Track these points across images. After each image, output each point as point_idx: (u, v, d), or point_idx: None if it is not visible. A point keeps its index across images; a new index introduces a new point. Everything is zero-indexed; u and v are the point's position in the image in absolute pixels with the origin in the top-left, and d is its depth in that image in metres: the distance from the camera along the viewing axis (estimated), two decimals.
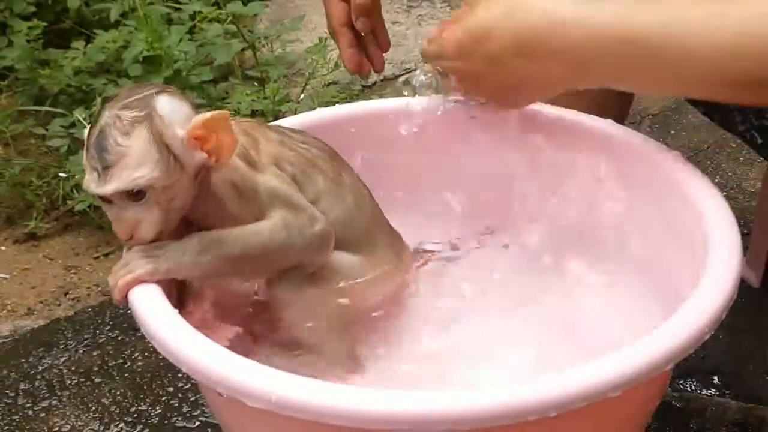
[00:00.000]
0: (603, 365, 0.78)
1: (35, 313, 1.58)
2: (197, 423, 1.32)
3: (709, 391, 1.33)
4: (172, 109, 0.96)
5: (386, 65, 2.05)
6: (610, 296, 1.09)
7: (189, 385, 1.38)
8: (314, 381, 0.80)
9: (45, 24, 2.05)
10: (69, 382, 1.41)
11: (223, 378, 0.81)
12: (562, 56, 0.96)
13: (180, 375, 1.39)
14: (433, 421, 0.76)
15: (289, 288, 1.03)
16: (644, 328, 0.91)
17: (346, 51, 1.28)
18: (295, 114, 1.85)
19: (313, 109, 1.86)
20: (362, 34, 1.31)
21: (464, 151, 1.19)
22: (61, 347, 1.48)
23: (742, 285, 1.46)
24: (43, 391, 1.40)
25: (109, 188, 0.94)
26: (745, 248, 1.42)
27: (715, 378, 1.35)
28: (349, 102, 1.93)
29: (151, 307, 0.91)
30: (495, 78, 1.02)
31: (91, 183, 0.95)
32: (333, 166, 1.07)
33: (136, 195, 0.95)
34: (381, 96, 1.96)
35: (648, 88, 1.03)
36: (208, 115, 0.96)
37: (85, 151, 0.96)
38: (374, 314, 1.07)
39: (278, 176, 1.02)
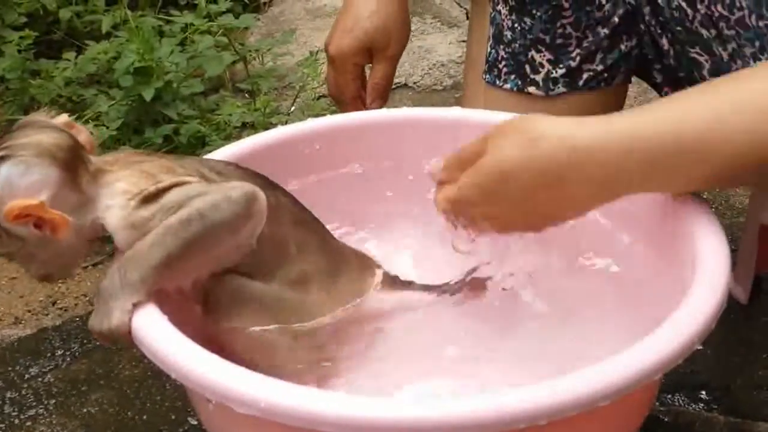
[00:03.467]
0: (594, 374, 0.79)
1: (23, 322, 1.57)
2: None
3: (697, 406, 1.34)
4: (7, 181, 0.96)
5: None
6: (600, 307, 1.10)
7: (176, 394, 1.37)
8: (303, 388, 0.80)
9: (36, 35, 2.05)
10: (56, 390, 1.41)
11: (211, 384, 0.81)
12: (587, 182, 0.94)
13: (167, 385, 1.39)
14: (427, 428, 0.76)
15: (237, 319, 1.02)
16: (633, 340, 0.92)
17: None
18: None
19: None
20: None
21: None
22: (48, 356, 1.48)
23: (731, 301, 1.47)
24: (30, 400, 1.39)
25: None
26: (734, 264, 1.44)
27: (704, 393, 1.36)
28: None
29: (140, 315, 0.91)
30: (525, 213, 0.99)
31: None
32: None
33: None
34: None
35: (677, 189, 1.03)
36: (15, 205, 0.95)
37: None
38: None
39: (180, 189, 1.00)
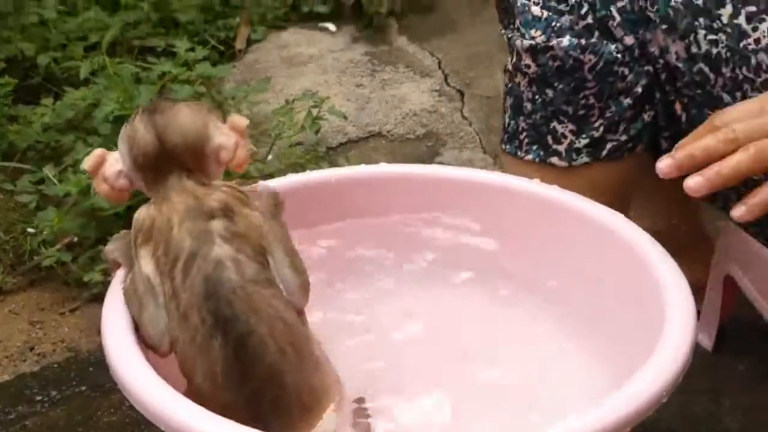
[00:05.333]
0: (564, 429, 0.82)
1: (0, 367, 1.59)
2: None
3: None
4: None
5: (350, 127, 2.13)
6: (565, 360, 1.13)
7: None
8: None
9: (15, 81, 2.07)
10: None
11: None
12: None
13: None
14: None
15: None
16: (600, 392, 0.96)
17: None
18: (262, 174, 1.90)
19: (281, 170, 1.92)
20: None
21: None
22: (28, 402, 1.49)
23: (696, 349, 1.51)
24: None
25: None
26: (699, 312, 1.48)
27: None
28: (315, 163, 1.98)
29: (130, 368, 0.93)
30: None
31: None
32: None
33: None
34: (346, 158, 2.01)
35: None
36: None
37: None
38: None
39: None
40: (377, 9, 2.46)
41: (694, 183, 0.99)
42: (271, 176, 1.89)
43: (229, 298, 0.96)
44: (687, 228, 1.58)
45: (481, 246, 1.23)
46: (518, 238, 1.20)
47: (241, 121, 1.06)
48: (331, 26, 2.50)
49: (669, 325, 0.97)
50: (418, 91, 2.25)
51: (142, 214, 1.03)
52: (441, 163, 2.02)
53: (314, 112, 1.93)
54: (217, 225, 1.00)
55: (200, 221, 1.00)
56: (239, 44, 2.42)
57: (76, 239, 1.78)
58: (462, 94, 2.25)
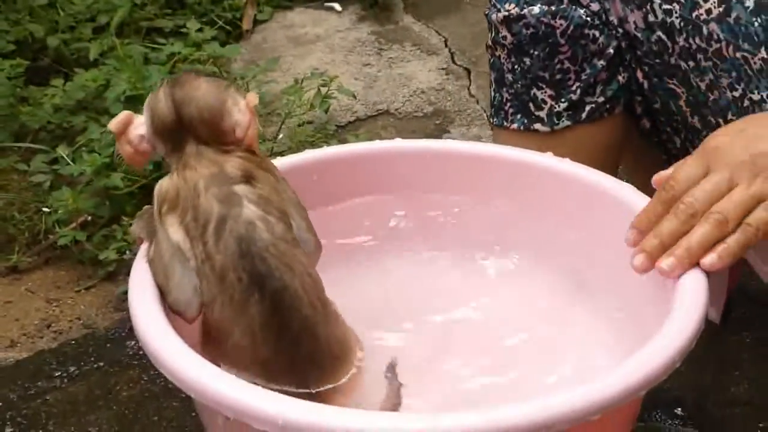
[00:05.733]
0: (586, 390, 0.85)
1: (18, 345, 1.61)
2: None
3: (673, 422, 1.39)
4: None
5: (359, 106, 2.15)
6: (585, 326, 1.15)
7: (174, 414, 1.42)
8: (320, 405, 0.85)
9: (27, 63, 2.09)
10: (55, 411, 1.44)
11: (232, 402, 0.86)
12: None
13: (165, 405, 1.43)
14: None
15: None
16: (616, 358, 0.98)
17: None
18: (272, 153, 1.92)
19: (291, 148, 1.94)
20: None
21: None
22: (46, 378, 1.52)
23: (704, 321, 1.54)
24: (30, 421, 1.43)
25: None
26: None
27: (679, 409, 1.41)
28: (325, 141, 2.00)
29: (158, 335, 0.95)
30: None
31: None
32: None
33: None
34: (356, 136, 2.02)
35: None
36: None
37: None
38: None
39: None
40: None
41: (667, 266, 1.02)
42: (281, 155, 1.92)
43: (263, 256, 1.00)
44: None
45: (497, 216, 1.25)
46: (530, 210, 1.22)
47: (252, 98, 1.10)
48: (337, 6, 2.52)
49: (680, 292, 0.99)
50: (425, 69, 2.27)
51: (164, 184, 1.06)
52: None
53: (323, 90, 1.95)
54: (243, 189, 1.03)
55: (225, 186, 1.03)
56: (246, 24, 2.43)
57: (90, 218, 1.80)
58: (469, 71, 2.27)
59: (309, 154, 1.26)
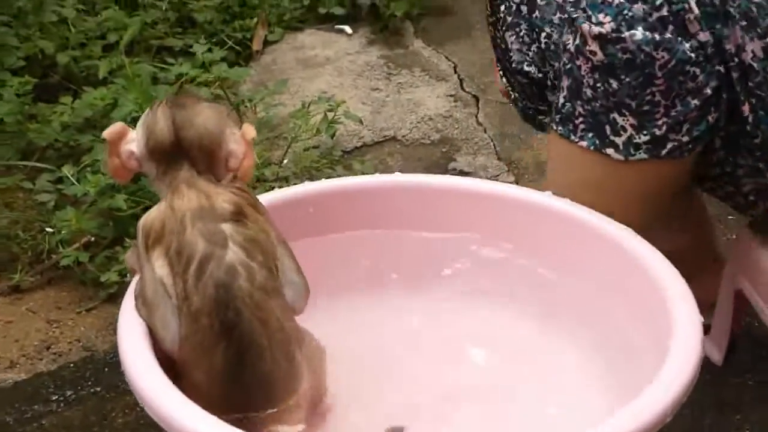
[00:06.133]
0: None
1: (18, 366, 1.61)
2: None
3: None
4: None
5: (365, 131, 2.14)
6: (575, 374, 1.15)
7: None
8: None
9: (35, 81, 2.09)
10: None
11: None
12: None
13: None
14: None
15: None
16: (605, 409, 0.98)
17: None
18: (277, 178, 1.92)
19: (296, 173, 1.93)
20: None
21: None
22: (43, 401, 1.51)
23: (706, 362, 1.52)
24: None
25: None
26: (709, 327, 1.49)
27: None
28: (330, 167, 1.99)
29: (144, 376, 0.95)
30: None
31: None
32: None
33: None
34: (361, 162, 2.02)
35: None
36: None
37: None
38: None
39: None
40: (393, 11, 2.47)
41: None
42: (286, 179, 1.92)
43: (237, 307, 1.00)
44: (699, 250, 1.59)
45: (490, 258, 1.25)
46: (531, 251, 1.22)
47: (250, 131, 1.09)
48: (347, 28, 2.52)
49: (676, 343, 0.99)
50: (433, 95, 2.26)
51: (151, 216, 1.06)
52: (455, 168, 2.04)
53: (329, 116, 1.95)
54: (230, 228, 1.03)
55: (212, 223, 1.03)
56: (256, 45, 2.43)
57: (93, 239, 1.80)
58: (477, 99, 2.27)
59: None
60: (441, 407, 1.12)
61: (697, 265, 1.38)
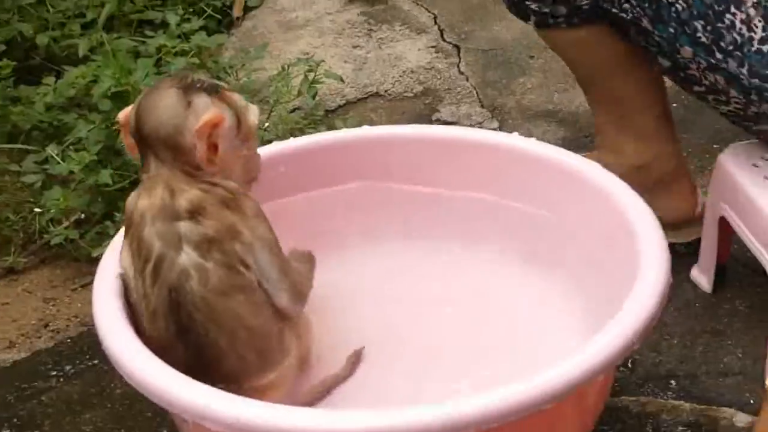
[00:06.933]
0: (537, 381, 0.85)
1: (17, 346, 1.62)
2: None
3: (666, 395, 1.39)
4: None
5: (348, 89, 2.14)
6: (544, 304, 1.16)
7: (167, 412, 1.42)
8: (273, 405, 0.85)
9: (15, 63, 2.09)
10: (51, 411, 1.46)
11: (187, 405, 0.87)
12: None
13: None
14: None
15: None
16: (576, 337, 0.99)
17: None
18: (262, 141, 1.91)
19: (278, 136, 1.93)
20: None
21: None
22: (43, 378, 1.53)
23: (695, 290, 1.53)
24: (26, 421, 1.44)
25: None
26: (698, 252, 1.50)
27: (672, 382, 1.41)
28: (313, 127, 1.99)
29: (123, 346, 0.97)
30: None
31: None
32: None
33: None
34: (344, 120, 2.02)
35: None
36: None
37: None
38: None
39: None
40: None
41: None
42: (269, 143, 1.91)
43: (189, 311, 1.02)
44: (668, 162, 1.59)
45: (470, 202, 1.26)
46: (501, 193, 1.23)
47: (214, 117, 1.07)
48: None
49: (642, 273, 0.99)
50: (414, 48, 2.26)
51: (129, 201, 1.06)
52: (439, 119, 2.03)
53: (310, 76, 1.94)
54: (185, 227, 1.02)
55: (169, 222, 1.02)
56: (237, 12, 2.43)
57: (83, 216, 1.81)
58: (458, 48, 2.26)
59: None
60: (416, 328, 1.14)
61: (668, 177, 1.49)
